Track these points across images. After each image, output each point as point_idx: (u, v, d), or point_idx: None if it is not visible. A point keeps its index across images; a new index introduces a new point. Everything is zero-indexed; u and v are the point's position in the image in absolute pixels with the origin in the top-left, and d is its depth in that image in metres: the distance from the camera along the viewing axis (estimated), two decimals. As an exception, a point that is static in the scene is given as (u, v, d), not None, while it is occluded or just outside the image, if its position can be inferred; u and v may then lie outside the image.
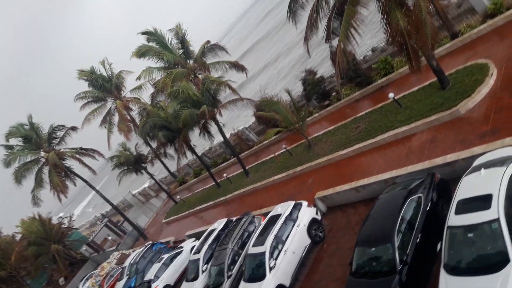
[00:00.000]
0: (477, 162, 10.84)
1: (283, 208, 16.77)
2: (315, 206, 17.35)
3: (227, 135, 30.75)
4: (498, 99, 13.93)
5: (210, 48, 30.59)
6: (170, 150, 32.65)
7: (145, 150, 36.27)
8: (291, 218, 16.10)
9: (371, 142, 18.19)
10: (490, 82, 14.79)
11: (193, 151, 31.37)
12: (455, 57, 18.21)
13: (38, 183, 33.91)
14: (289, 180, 23.02)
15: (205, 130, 28.49)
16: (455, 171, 12.70)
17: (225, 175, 30.75)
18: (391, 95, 18.13)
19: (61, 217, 50.74)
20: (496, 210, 8.78)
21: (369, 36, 32.77)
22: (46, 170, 33.79)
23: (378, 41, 24.62)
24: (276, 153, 26.27)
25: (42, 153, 34.19)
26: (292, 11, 16.54)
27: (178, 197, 37.90)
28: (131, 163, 34.23)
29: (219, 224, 21.70)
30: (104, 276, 31.19)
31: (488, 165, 10.17)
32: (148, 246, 27.94)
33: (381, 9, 14.49)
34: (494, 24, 17.43)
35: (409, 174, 13.80)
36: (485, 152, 11.32)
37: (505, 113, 13.20)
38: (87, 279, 33.20)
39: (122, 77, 39.53)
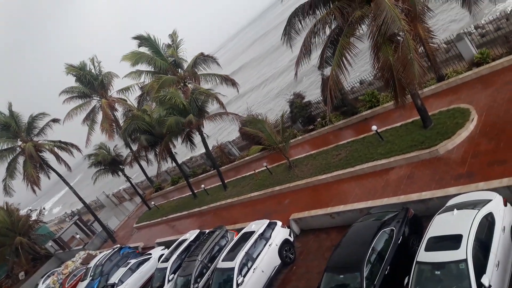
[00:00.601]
0: (450, 202, 11.20)
1: (257, 226, 16.82)
2: (289, 227, 17.46)
3: (210, 147, 30.74)
4: (476, 144, 14.45)
5: (203, 59, 30.85)
6: (151, 155, 32.42)
7: (125, 152, 35.86)
8: (264, 237, 16.15)
9: (350, 171, 18.53)
10: (470, 127, 15.36)
11: (173, 159, 31.22)
12: (439, 99, 18.85)
13: (10, 173, 33.13)
14: (266, 199, 23.11)
15: (188, 139, 28.44)
16: (429, 208, 13.06)
17: (202, 186, 30.64)
18: (374, 127, 18.57)
19: (30, 209, 49.24)
20: (465, 251, 9.08)
21: (358, 67, 33.57)
22: (21, 160, 33.08)
23: (366, 74, 25.26)
24: (257, 170, 26.39)
25: (19, 143, 33.49)
26: (287, 35, 16.89)
27: (152, 203, 37.43)
28: (108, 163, 33.76)
29: (190, 235, 21.55)
30: (67, 274, 30.38)
31: (461, 206, 10.52)
32: (115, 249, 27.42)
33: (372, 44, 14.95)
34: (479, 72, 18.20)
35: (384, 206, 14.10)
36: (459, 194, 11.72)
37: (481, 158, 13.70)
38: (49, 276, 32.25)
39: (111, 77, 39.38)
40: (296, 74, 17.32)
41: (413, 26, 15.08)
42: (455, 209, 10.36)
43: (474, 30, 20.76)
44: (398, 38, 14.78)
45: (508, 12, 20.64)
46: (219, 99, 27.85)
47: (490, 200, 10.39)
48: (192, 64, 30.81)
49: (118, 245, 29.37)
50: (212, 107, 27.89)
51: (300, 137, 26.88)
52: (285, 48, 17.83)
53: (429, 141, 16.01)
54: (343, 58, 15.48)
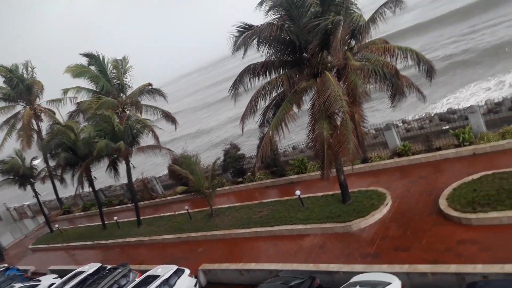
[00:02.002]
0: (354, 278, 11.71)
1: (164, 270, 16.19)
2: (196, 277, 16.97)
3: (134, 179, 29.64)
4: (386, 228, 15.44)
5: (149, 90, 30.56)
6: (67, 175, 30.44)
7: (42, 165, 33.43)
8: (168, 283, 15.54)
9: (268, 230, 18.78)
10: (383, 210, 16.45)
11: (91, 183, 29.55)
12: (360, 179, 20.13)
13: None
14: (180, 243, 22.44)
15: (113, 167, 27.30)
16: (334, 281, 13.49)
17: (115, 218, 29.08)
18: (297, 192, 19.23)
19: None
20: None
21: (294, 132, 35.02)
22: None
23: (300, 141, 26.39)
24: (176, 212, 25.75)
25: None
26: (236, 89, 17.42)
27: (56, 226, 34.60)
28: (18, 174, 31.13)
29: (90, 268, 20.17)
30: None
31: (363, 284, 11.02)
32: (1, 269, 24.63)
33: (311, 115, 15.87)
34: (399, 162, 19.89)
35: (293, 271, 14.32)
36: (364, 272, 12.31)
37: (388, 242, 14.60)
38: None
39: (42, 86, 37.53)
40: (242, 129, 17.70)
41: (351, 108, 16.28)
42: (358, 286, 10.82)
43: (401, 124, 22.89)
44: (336, 116, 15.83)
45: (432, 115, 23.18)
46: (155, 132, 27.42)
47: (390, 283, 11.01)
48: (137, 92, 30.34)
49: (6, 265, 26.46)
50: (146, 138, 27.29)
51: (228, 187, 26.98)
52: (232, 100, 18.13)
53: (345, 216, 16.85)
54: (282, 122, 16.16)
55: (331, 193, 19.38)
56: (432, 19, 67.85)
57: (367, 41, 17.37)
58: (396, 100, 17.13)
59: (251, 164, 27.63)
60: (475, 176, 15.47)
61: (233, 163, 27.24)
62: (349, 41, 17.10)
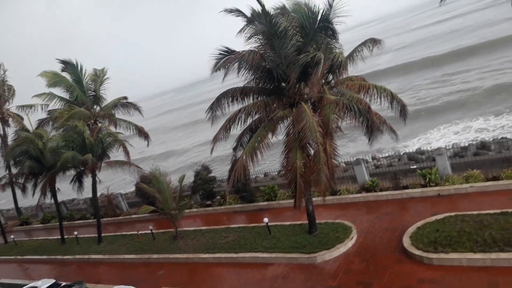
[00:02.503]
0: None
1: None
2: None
3: (99, 194, 28.81)
4: (350, 262, 15.47)
5: (125, 104, 30.14)
6: (29, 184, 29.31)
7: (2, 172, 32.10)
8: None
9: (233, 256, 18.50)
10: (348, 244, 16.53)
11: (54, 195, 28.52)
12: (328, 211, 20.27)
13: None
14: (140, 264, 21.76)
15: (78, 179, 26.50)
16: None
17: (75, 233, 28.03)
18: (265, 220, 19.14)
19: None
20: None
21: (268, 158, 35.17)
22: None
23: (273, 168, 26.54)
24: (140, 232, 25.06)
25: None
26: (213, 111, 17.46)
27: (12, 236, 33.00)
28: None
29: (43, 283, 19.31)
30: None
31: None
32: None
33: (285, 144, 16.03)
34: (367, 197, 20.20)
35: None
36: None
37: (351, 276, 14.61)
38: None
39: (14, 90, 36.50)
40: (212, 149, 17.65)
41: (324, 140, 16.52)
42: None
43: (371, 160, 23.37)
44: (309, 146, 16.03)
45: (401, 154, 23.79)
46: (126, 148, 26.91)
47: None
48: (111, 105, 29.86)
49: None
50: (118, 155, 26.71)
51: (195, 210, 26.62)
52: (209, 122, 18.07)
53: (310, 247, 16.83)
54: (256, 148, 16.23)
55: (298, 222, 19.38)
56: (407, 63, 70.64)
57: (344, 76, 17.85)
58: (373, 137, 17.49)
59: (221, 187, 27.44)
60: (439, 217, 15.84)
61: (203, 185, 26.95)
62: (327, 75, 17.52)
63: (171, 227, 23.31)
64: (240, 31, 15.91)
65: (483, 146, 21.10)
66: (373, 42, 17.42)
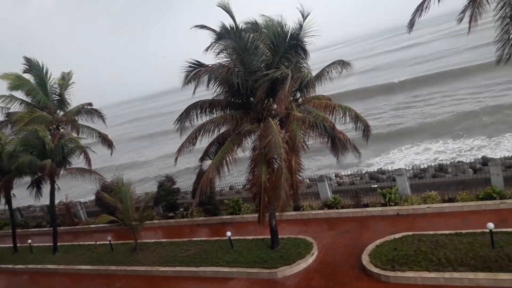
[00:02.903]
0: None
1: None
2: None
3: (56, 201, 27.77)
4: (310, 278, 15.60)
5: (89, 110, 29.41)
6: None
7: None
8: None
9: (193, 270, 18.24)
10: (309, 260, 16.68)
11: (8, 201, 27.27)
12: (290, 226, 20.43)
13: None
14: (96, 276, 21.05)
15: (36, 185, 25.48)
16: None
17: (29, 241, 26.84)
18: (228, 233, 19.05)
19: None
20: None
21: (235, 171, 35.15)
22: None
23: (238, 182, 26.55)
24: (98, 242, 24.29)
25: None
26: (182, 122, 17.36)
27: (-42, 243, 31.15)
28: None
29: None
30: None
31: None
32: None
33: (252, 158, 16.13)
34: (328, 214, 20.55)
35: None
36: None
37: (310, 291, 14.73)
38: None
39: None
40: (176, 160, 17.50)
41: (289, 156, 16.74)
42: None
43: (334, 178, 23.82)
44: (274, 161, 16.18)
45: (363, 172, 24.41)
46: (88, 155, 26.20)
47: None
48: (75, 110, 29.07)
49: None
50: (80, 163, 25.93)
51: (157, 221, 26.14)
52: (177, 132, 17.89)
53: (271, 262, 16.86)
54: (223, 160, 16.23)
55: (261, 237, 19.40)
56: (372, 86, 72.93)
57: (311, 95, 18.24)
58: (339, 155, 17.84)
59: (185, 199, 27.14)
60: (397, 236, 16.29)
61: (166, 197, 26.54)
62: (295, 93, 17.85)
63: (130, 238, 22.75)
64: (207, 48, 16.05)
65: (441, 168, 22.01)
66: (342, 63, 17.97)
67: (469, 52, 79.39)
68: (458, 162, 22.50)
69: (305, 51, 16.44)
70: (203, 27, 16.05)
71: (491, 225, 13.61)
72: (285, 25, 16.20)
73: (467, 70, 60.10)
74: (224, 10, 15.42)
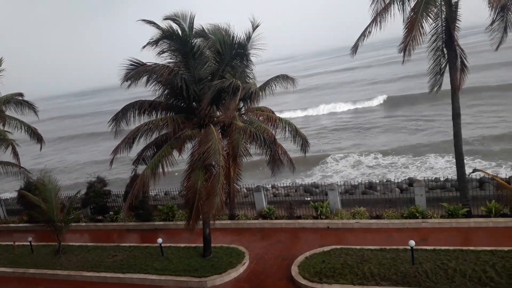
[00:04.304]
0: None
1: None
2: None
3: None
4: (240, 287, 15.60)
5: (19, 101, 27.49)
6: None
7: None
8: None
9: (119, 277, 17.50)
10: (240, 269, 16.67)
11: None
12: (224, 234, 20.34)
13: None
14: (13, 279, 19.51)
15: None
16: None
17: None
18: (159, 240, 18.54)
19: None
20: None
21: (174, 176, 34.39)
22: None
23: (174, 187, 25.97)
24: (17, 243, 22.57)
25: None
26: (117, 122, 16.72)
27: None
28: None
29: None
30: None
31: None
32: None
33: (189, 164, 15.90)
34: (262, 224, 20.74)
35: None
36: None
37: (238, 301, 14.71)
38: None
39: None
40: (111, 162, 16.84)
41: (228, 164, 16.71)
42: None
43: (271, 189, 24.16)
44: (212, 168, 16.06)
45: (298, 185, 25.00)
46: (15, 148, 24.45)
47: None
48: (3, 100, 27.02)
49: None
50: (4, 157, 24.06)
51: (84, 224, 24.86)
52: (112, 132, 17.16)
53: (202, 270, 16.64)
54: (160, 164, 15.83)
55: (193, 245, 19.12)
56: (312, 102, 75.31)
57: (255, 106, 18.45)
58: (275, 167, 18.08)
59: (116, 202, 26.09)
60: (326, 248, 16.80)
61: (96, 199, 25.29)
62: (239, 102, 17.95)
63: (54, 241, 21.40)
64: (153, 43, 15.59)
65: (370, 186, 23.14)
66: (285, 78, 18.39)
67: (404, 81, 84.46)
68: (387, 181, 23.78)
69: (251, 61, 16.63)
70: (149, 22, 15.66)
71: (412, 243, 14.48)
72: (233, 34, 16.33)
73: (413, 97, 62.63)
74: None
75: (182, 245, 19.50)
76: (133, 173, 17.97)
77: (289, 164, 18.12)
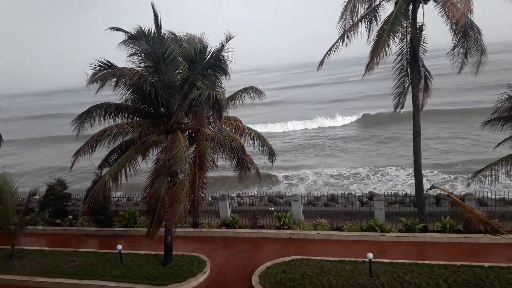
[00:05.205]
0: None
1: None
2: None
3: None
4: (199, 297, 15.51)
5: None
6: None
7: None
8: None
9: (75, 283, 16.98)
10: (200, 278, 16.55)
11: None
12: (186, 243, 20.15)
13: None
14: (-43, 284, 18.49)
15: None
16: None
17: None
18: (119, 247, 18.15)
19: None
20: None
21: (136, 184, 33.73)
22: None
23: (137, 194, 25.51)
24: (-35, 246, 21.44)
25: None
26: (81, 123, 16.33)
27: None
28: None
29: None
30: None
31: None
32: None
33: (154, 170, 15.71)
34: (226, 233, 20.73)
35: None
36: None
37: (198, 311, 14.59)
38: None
39: None
40: (73, 164, 16.38)
41: (194, 171, 16.60)
42: None
43: (236, 197, 24.20)
44: (177, 176, 15.95)
45: (263, 195, 25.17)
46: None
47: None
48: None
49: None
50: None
51: (41, 227, 23.95)
52: (75, 133, 16.69)
53: (162, 279, 16.40)
54: (123, 169, 15.55)
55: (154, 253, 18.84)
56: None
57: (224, 115, 18.48)
58: (242, 175, 18.16)
59: (76, 206, 25.34)
60: (287, 259, 17.00)
61: (55, 202, 24.45)
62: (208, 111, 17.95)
63: (7, 244, 20.48)
64: (122, 43, 15.37)
65: (332, 198, 23.64)
66: (255, 90, 18.62)
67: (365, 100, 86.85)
68: (348, 194, 24.36)
69: (224, 72, 16.64)
70: (118, 29, 15.49)
71: (370, 255, 14.90)
72: (207, 43, 16.43)
73: (382, 115, 64.25)
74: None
75: (143, 252, 19.17)
76: (96, 177, 17.55)
77: (256, 174, 18.27)
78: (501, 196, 20.27)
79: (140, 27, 15.19)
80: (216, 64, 16.19)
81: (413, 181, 21.56)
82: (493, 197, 19.88)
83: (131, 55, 15.79)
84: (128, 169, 15.61)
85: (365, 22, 17.97)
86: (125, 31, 15.28)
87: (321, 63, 18.63)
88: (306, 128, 65.00)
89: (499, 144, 14.37)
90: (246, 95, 18.36)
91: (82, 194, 25.01)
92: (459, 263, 15.36)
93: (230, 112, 18.64)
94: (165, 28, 15.90)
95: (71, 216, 24.36)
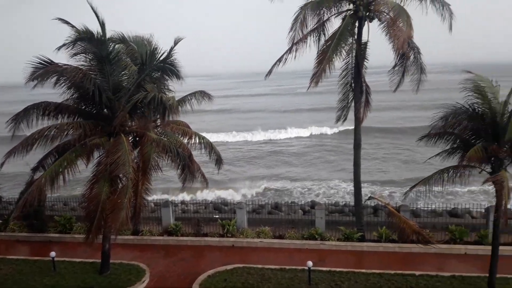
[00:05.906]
0: None
1: None
2: None
3: None
4: (137, 307, 14.99)
5: None
6: None
7: None
8: None
9: (1, 293, 15.82)
10: (139, 287, 16.06)
11: None
12: (125, 250, 19.45)
13: None
14: None
15: None
16: None
17: None
18: (52, 254, 17.16)
19: None
20: None
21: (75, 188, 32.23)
22: None
23: (74, 198, 24.41)
24: None
25: None
26: (17, 123, 15.32)
27: None
28: None
29: None
30: None
31: None
32: None
33: (94, 174, 15.10)
34: (167, 241, 20.29)
35: None
36: None
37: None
38: None
39: None
40: (2, 164, 15.35)
41: (137, 176, 16.08)
42: None
43: (180, 204, 23.81)
44: (119, 180, 15.40)
45: (208, 202, 25.01)
46: None
47: None
48: None
49: None
50: None
51: (-36, 233, 22.08)
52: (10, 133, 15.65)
53: (97, 288, 15.71)
54: (60, 172, 14.78)
55: (90, 260, 18.02)
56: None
57: (171, 119, 18.16)
58: (186, 181, 17.89)
59: (6, 210, 23.69)
60: (229, 267, 16.94)
61: (-19, 205, 22.74)
62: (155, 114, 17.53)
63: None
64: (67, 45, 14.73)
65: (276, 206, 23.98)
66: (203, 94, 18.48)
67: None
68: (292, 202, 24.84)
69: (177, 75, 16.33)
70: (66, 22, 14.82)
71: (310, 263, 15.24)
72: (156, 45, 16.12)
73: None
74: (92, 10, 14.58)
75: (78, 260, 18.28)
76: (29, 179, 16.50)
77: (202, 179, 18.13)
78: (432, 208, 21.61)
79: (86, 27, 14.66)
80: (165, 67, 15.91)
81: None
82: (425, 208, 21.10)
83: (75, 54, 15.16)
84: (66, 172, 14.88)
85: (314, 36, 18.53)
86: (72, 25, 14.66)
87: (269, 72, 18.92)
88: (254, 141, 65.23)
89: (431, 157, 15.29)
90: (194, 99, 18.19)
91: (14, 197, 23.44)
92: (392, 272, 16.11)
93: (180, 118, 18.36)
94: (123, 29, 15.48)
95: (1, 221, 22.69)
